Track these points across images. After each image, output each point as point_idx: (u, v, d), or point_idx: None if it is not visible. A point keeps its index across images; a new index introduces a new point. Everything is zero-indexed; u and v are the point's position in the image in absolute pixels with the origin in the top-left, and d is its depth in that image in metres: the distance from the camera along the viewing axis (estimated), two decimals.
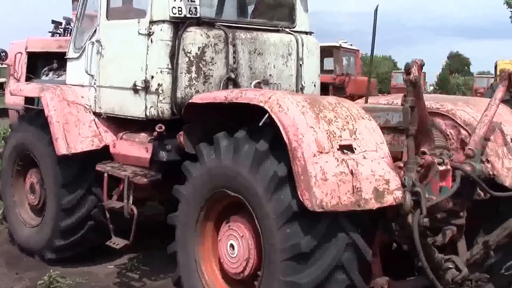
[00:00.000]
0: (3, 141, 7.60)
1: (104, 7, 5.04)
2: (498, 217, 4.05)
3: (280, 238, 3.33)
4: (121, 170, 4.76)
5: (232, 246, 3.74)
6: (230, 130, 3.80)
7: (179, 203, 4.08)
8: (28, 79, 6.46)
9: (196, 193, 3.92)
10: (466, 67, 59.20)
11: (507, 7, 12.71)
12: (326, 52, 15.85)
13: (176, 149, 4.48)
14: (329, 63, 16.05)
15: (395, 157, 3.72)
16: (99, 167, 4.92)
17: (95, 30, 5.12)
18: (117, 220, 4.90)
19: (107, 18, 5.05)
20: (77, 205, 5.12)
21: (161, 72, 4.49)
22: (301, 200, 3.22)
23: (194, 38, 4.47)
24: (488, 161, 3.97)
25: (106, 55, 5.01)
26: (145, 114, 4.60)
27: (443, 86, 46.70)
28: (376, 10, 4.55)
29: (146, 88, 4.56)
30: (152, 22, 4.56)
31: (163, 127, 4.47)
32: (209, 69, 4.52)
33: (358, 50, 16.56)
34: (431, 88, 48.43)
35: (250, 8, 5.43)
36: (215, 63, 4.55)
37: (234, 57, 4.62)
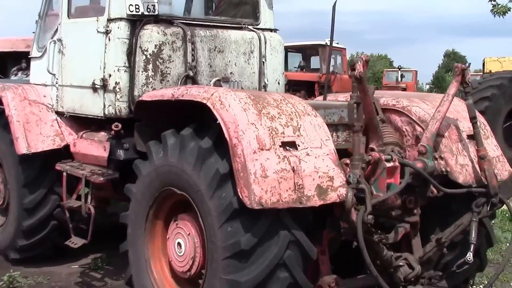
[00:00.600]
0: None
1: (65, 5, 5.03)
2: (452, 215, 4.01)
3: (221, 236, 3.30)
4: (79, 169, 4.74)
5: (179, 244, 3.71)
6: (180, 128, 3.77)
7: (130, 201, 4.05)
8: None
9: (146, 192, 3.89)
10: None
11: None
12: (312, 50, 15.82)
13: (134, 148, 4.45)
14: (315, 61, 16.03)
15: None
16: (58, 166, 4.90)
17: (57, 29, 5.11)
18: (77, 219, 4.89)
19: (68, 17, 5.04)
20: (39, 205, 5.09)
21: (118, 70, 4.47)
22: (240, 197, 3.18)
23: (150, 35, 4.45)
24: (441, 158, 3.92)
25: (67, 54, 5.00)
26: (104, 113, 4.59)
27: (439, 84, 46.69)
28: (334, 6, 4.55)
29: (104, 87, 4.55)
30: (109, 20, 4.55)
31: (120, 125, 4.44)
32: (166, 67, 4.50)
33: (345, 49, 16.53)
34: (427, 87, 48.42)
35: (214, 6, 5.40)
36: (173, 61, 4.52)
37: (192, 55, 4.59)
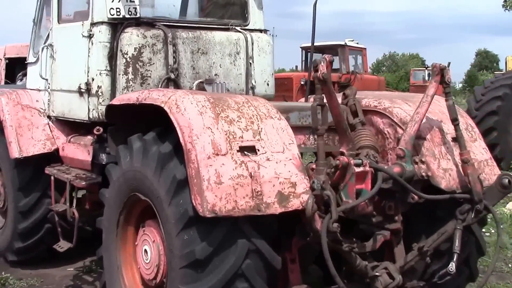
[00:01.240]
0: None
1: (56, 11, 5.07)
2: (436, 222, 3.76)
3: (178, 244, 3.20)
4: (65, 173, 4.77)
5: (146, 251, 3.64)
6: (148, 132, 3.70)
7: (104, 206, 4.02)
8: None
9: (116, 197, 3.85)
10: (495, 64, 57.26)
11: None
12: (331, 50, 15.56)
13: None
14: (335, 62, 15.70)
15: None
16: (47, 170, 4.95)
17: (48, 34, 5.16)
18: (68, 223, 4.91)
19: (58, 22, 5.08)
20: (33, 208, 5.18)
21: (100, 74, 4.46)
22: (194, 205, 3.08)
23: (130, 38, 4.41)
24: (422, 162, 3.68)
25: (57, 59, 5.04)
26: (88, 117, 4.59)
27: (471, 83, 45.20)
28: (315, 5, 4.38)
29: (88, 91, 4.55)
30: (92, 24, 4.55)
31: (101, 129, 4.43)
32: (146, 70, 4.45)
33: (365, 48, 16.18)
34: (460, 85, 47.02)
35: (200, 7, 5.32)
36: (153, 63, 4.47)
37: (174, 57, 4.52)
